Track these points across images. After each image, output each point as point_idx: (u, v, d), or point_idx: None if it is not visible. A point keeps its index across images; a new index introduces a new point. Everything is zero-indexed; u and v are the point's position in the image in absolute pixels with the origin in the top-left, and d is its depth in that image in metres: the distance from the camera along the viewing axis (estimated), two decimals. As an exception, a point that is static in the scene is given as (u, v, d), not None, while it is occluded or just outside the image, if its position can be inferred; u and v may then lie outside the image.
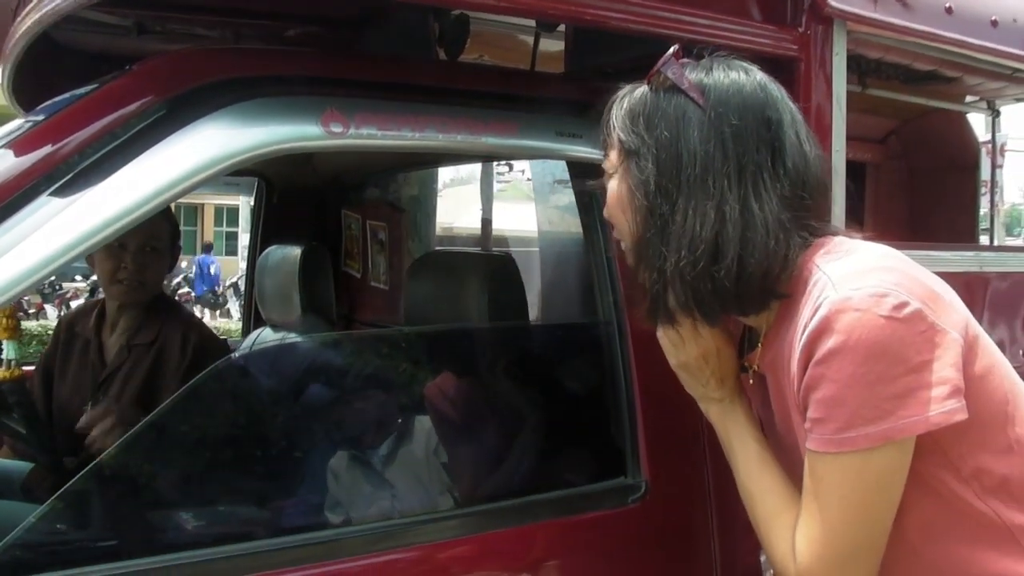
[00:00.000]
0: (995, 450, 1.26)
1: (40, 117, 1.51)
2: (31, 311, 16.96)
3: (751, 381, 1.46)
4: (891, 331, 1.15)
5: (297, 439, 1.74)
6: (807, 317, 1.22)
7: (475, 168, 3.48)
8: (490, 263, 1.96)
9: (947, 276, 2.11)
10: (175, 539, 1.57)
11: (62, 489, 1.43)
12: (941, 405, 1.16)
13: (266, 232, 3.42)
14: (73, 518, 1.48)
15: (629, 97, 1.35)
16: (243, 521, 1.63)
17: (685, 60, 1.35)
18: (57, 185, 1.34)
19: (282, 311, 2.86)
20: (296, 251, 2.79)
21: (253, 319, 3.38)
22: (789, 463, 1.37)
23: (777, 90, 1.34)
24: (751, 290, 1.28)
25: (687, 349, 1.45)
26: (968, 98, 3.32)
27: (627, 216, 1.34)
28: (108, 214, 1.33)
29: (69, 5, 1.47)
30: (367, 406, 1.83)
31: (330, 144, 1.48)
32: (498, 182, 3.53)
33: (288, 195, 3.42)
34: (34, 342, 9.67)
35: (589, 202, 1.76)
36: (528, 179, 2.53)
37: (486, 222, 3.25)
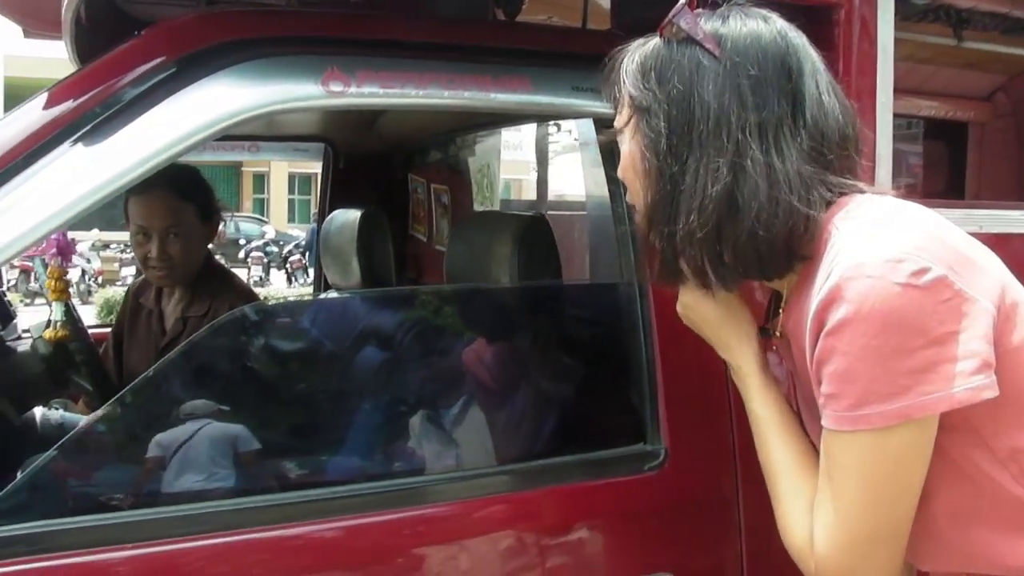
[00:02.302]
0: None
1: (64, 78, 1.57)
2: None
3: (775, 348, 1.38)
4: (908, 300, 1.06)
5: (311, 391, 1.76)
6: (821, 282, 1.14)
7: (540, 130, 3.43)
8: (522, 224, 1.92)
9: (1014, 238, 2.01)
10: (179, 489, 1.61)
11: (66, 437, 1.49)
12: (967, 381, 1.06)
13: (334, 197, 3.45)
14: (79, 465, 1.52)
15: (640, 51, 1.27)
16: (247, 474, 1.65)
17: (700, 11, 1.26)
18: (75, 137, 1.40)
19: (343, 274, 2.89)
20: (355, 216, 2.81)
21: (323, 283, 3.43)
22: (815, 431, 1.28)
23: (798, 37, 1.25)
24: (775, 252, 1.20)
25: (699, 311, 1.38)
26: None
27: (638, 178, 1.27)
28: (120, 166, 1.39)
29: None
30: (389, 363, 1.83)
31: (331, 103, 1.48)
32: (550, 143, 3.47)
33: (354, 160, 3.44)
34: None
35: (612, 157, 1.71)
36: (576, 139, 2.48)
37: (541, 182, 3.21)
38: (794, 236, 1.18)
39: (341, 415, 1.72)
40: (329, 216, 3.08)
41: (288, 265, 20.36)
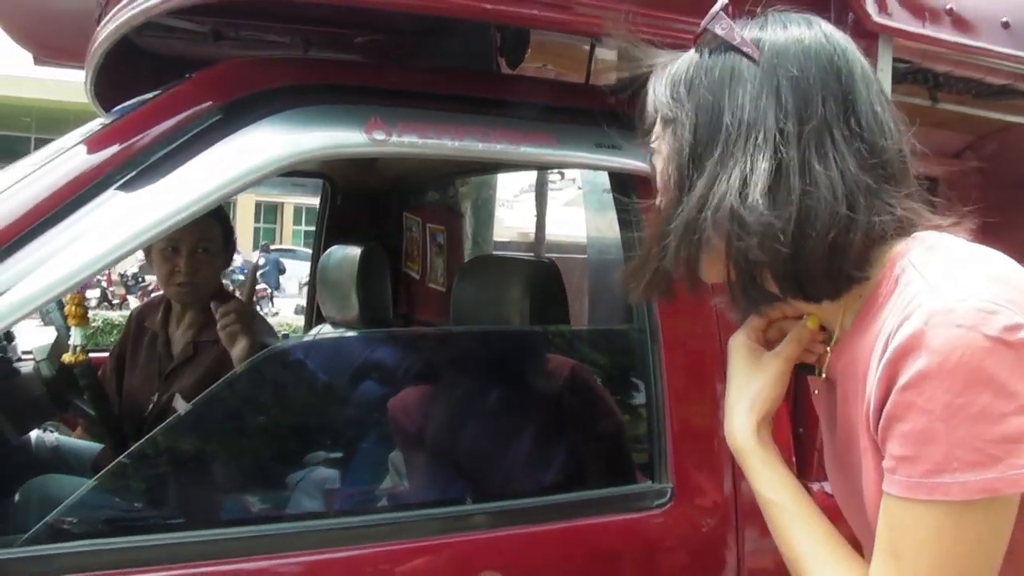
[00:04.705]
0: None
1: (110, 119, 1.63)
2: (115, 302, 17.50)
3: (815, 392, 1.26)
4: (998, 357, 0.92)
5: (335, 427, 1.82)
6: (893, 325, 1.00)
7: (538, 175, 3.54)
8: (533, 269, 2.01)
9: None
10: (210, 515, 1.66)
11: (109, 466, 1.54)
12: None
13: (330, 232, 3.54)
14: (119, 492, 1.58)
15: (672, 64, 1.19)
16: (271, 502, 1.71)
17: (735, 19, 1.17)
18: (122, 181, 1.45)
19: (341, 309, 2.95)
20: (356, 252, 2.87)
21: (315, 316, 3.49)
22: (846, 490, 1.20)
23: (844, 40, 1.14)
24: (814, 268, 1.06)
25: (733, 356, 1.26)
26: (1050, 114, 3.24)
27: (662, 192, 1.17)
28: (166, 210, 1.43)
29: (144, 13, 1.58)
30: (409, 399, 1.89)
31: (373, 151, 1.55)
32: (552, 190, 3.58)
33: (351, 197, 3.53)
34: (114, 332, 10.04)
35: (627, 210, 1.80)
36: (579, 187, 2.58)
37: (539, 227, 3.31)
38: (840, 251, 1.06)
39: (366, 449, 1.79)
40: (327, 251, 3.15)
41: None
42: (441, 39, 2.32)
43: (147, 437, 1.64)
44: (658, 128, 1.19)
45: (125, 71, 2.14)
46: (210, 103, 1.53)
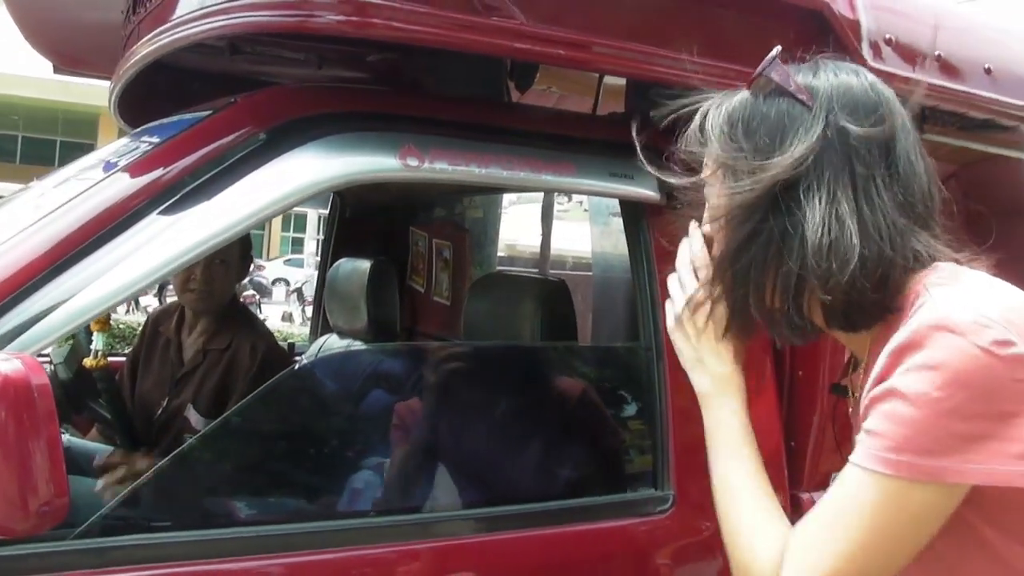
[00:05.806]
0: None
1: (155, 139, 1.72)
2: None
3: (850, 409, 1.35)
4: (983, 366, 1.02)
5: (356, 440, 1.92)
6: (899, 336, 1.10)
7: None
8: (544, 287, 2.12)
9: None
10: (229, 519, 1.76)
11: (143, 477, 1.63)
12: (1014, 465, 1.02)
13: (337, 244, 3.64)
14: (150, 499, 1.66)
15: (727, 104, 1.26)
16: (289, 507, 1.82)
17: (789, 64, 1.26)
18: (164, 205, 1.53)
19: (349, 320, 3.04)
20: (365, 265, 2.97)
21: (321, 326, 3.59)
22: None
23: (887, 91, 1.23)
24: (864, 303, 1.16)
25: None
26: (1030, 145, 3.38)
27: (722, 230, 1.25)
28: (207, 232, 1.51)
29: (189, 38, 1.69)
30: (424, 411, 2.00)
31: (406, 176, 1.65)
32: (558, 206, 3.69)
33: (360, 210, 3.64)
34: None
35: (636, 234, 1.92)
36: (585, 209, 2.70)
37: (544, 245, 3.43)
38: (885, 287, 1.16)
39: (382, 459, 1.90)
40: (336, 263, 3.25)
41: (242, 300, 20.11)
42: (453, 61, 2.43)
43: (190, 441, 1.74)
44: (712, 166, 1.26)
45: (143, 83, 2.24)
46: (254, 128, 1.62)
